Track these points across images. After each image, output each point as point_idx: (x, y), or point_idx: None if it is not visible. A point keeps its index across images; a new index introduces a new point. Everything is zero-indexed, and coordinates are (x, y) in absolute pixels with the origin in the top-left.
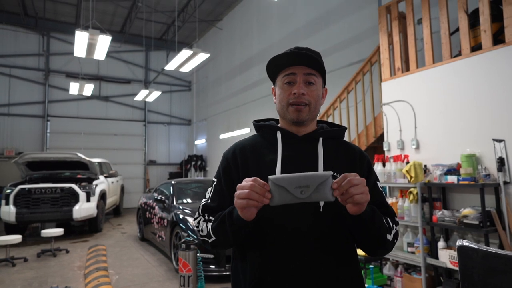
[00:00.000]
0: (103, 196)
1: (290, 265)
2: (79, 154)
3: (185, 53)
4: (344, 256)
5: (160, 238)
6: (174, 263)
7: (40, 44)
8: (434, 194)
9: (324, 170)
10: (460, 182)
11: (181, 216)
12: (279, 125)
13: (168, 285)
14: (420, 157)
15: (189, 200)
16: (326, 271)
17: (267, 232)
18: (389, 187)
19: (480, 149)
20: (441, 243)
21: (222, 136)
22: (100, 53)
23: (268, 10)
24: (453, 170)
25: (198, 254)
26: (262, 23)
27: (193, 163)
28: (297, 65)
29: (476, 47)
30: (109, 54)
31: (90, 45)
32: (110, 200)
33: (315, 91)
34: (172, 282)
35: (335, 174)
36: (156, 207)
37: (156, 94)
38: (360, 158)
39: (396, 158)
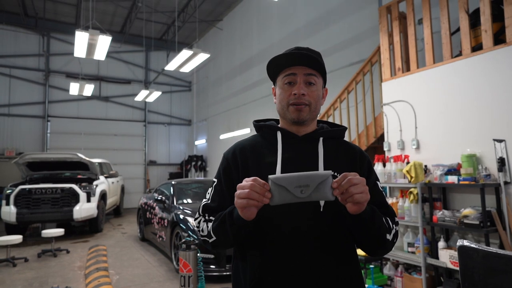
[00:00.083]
0: (103, 196)
1: (290, 264)
2: (80, 155)
3: (185, 53)
4: (344, 256)
5: (160, 238)
6: (174, 263)
7: (40, 45)
8: (434, 194)
9: (325, 170)
10: (461, 182)
11: (181, 216)
12: (279, 125)
13: (168, 285)
14: (420, 157)
15: (189, 201)
16: (326, 270)
17: (267, 232)
18: (390, 187)
19: (480, 149)
20: (441, 243)
21: (222, 137)
22: (100, 54)
23: (268, 10)
24: (453, 170)
25: (198, 254)
26: (262, 23)
27: (193, 163)
28: (298, 65)
29: (476, 47)
30: (109, 55)
31: (90, 45)
32: (111, 200)
33: (316, 91)
34: (172, 282)
35: (335, 174)
36: (157, 208)
37: (156, 94)
38: (361, 158)
39: (397, 158)
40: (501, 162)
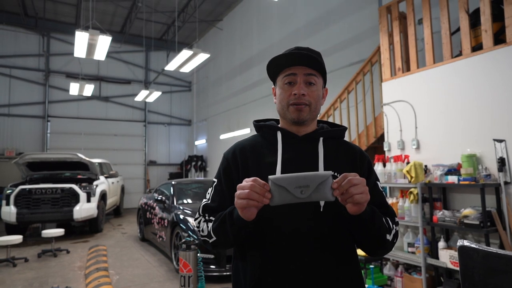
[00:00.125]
0: (103, 196)
1: (290, 265)
2: (80, 155)
3: (185, 53)
4: (344, 256)
5: (160, 239)
6: (174, 263)
7: (40, 45)
8: (434, 194)
9: (325, 170)
10: (461, 182)
11: (181, 217)
12: (279, 125)
13: (168, 285)
14: (420, 157)
15: (189, 201)
16: (326, 271)
17: (267, 232)
18: (390, 187)
19: (480, 149)
20: (441, 243)
21: (222, 137)
22: (100, 54)
23: (268, 10)
24: (453, 170)
25: (198, 255)
26: (262, 23)
27: (193, 163)
28: (298, 65)
29: (477, 47)
30: (109, 55)
31: (90, 45)
32: (111, 200)
33: (316, 91)
34: (172, 282)
35: (335, 174)
36: (157, 208)
37: (156, 94)
38: (361, 158)
39: (397, 158)
40: (501, 162)
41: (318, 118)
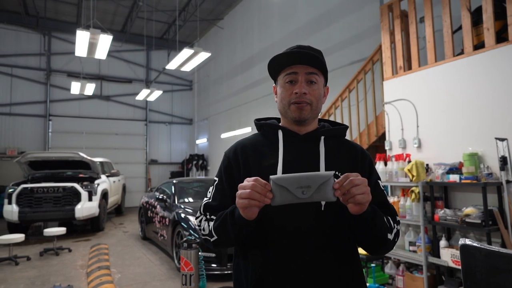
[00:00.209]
0: (105, 195)
1: (291, 264)
2: (81, 154)
3: (186, 52)
4: (345, 255)
5: (162, 237)
6: (176, 262)
7: (42, 44)
8: (436, 193)
9: (326, 169)
10: (462, 181)
11: (182, 215)
12: (280, 123)
13: (170, 284)
14: (422, 156)
15: (190, 199)
16: (327, 270)
17: (268, 231)
18: (391, 186)
19: (482, 148)
20: (443, 242)
21: (223, 135)
22: (101, 53)
23: (269, 9)
24: (455, 169)
25: (199, 253)
26: (263, 22)
27: (194, 162)
28: (299, 64)
29: (479, 45)
30: (110, 54)
31: (91, 44)
32: (112, 199)
33: (317, 90)
34: (174, 281)
35: (337, 173)
36: (158, 206)
37: (157, 93)
38: (362, 157)
39: (398, 157)
40: (503, 161)
41: (319, 117)
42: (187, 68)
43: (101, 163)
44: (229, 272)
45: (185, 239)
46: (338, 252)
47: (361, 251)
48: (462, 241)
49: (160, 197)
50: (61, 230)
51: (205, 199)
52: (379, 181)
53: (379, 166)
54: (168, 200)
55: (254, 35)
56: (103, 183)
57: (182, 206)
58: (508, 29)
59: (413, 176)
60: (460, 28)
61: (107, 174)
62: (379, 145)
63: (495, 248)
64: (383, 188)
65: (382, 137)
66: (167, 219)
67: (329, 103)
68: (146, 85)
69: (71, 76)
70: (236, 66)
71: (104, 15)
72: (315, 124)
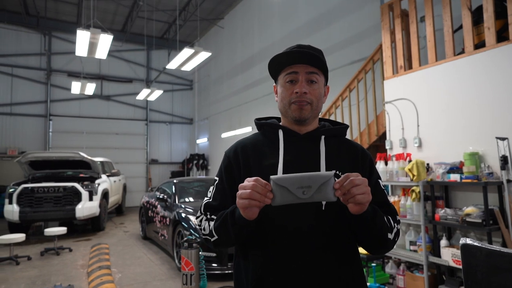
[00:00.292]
0: (105, 195)
1: (291, 264)
2: (82, 153)
3: (186, 51)
4: (345, 255)
5: (162, 237)
6: (176, 261)
7: (42, 44)
8: (436, 193)
9: (326, 168)
10: (463, 181)
11: (183, 215)
12: (281, 123)
13: (170, 283)
14: (422, 155)
15: (191, 199)
16: (328, 270)
17: (268, 231)
18: (392, 186)
19: (483, 147)
20: (443, 242)
21: (224, 135)
22: (102, 52)
23: (269, 9)
24: (455, 168)
25: (200, 253)
26: (264, 22)
27: (195, 162)
28: (299, 63)
29: (479, 45)
30: (110, 53)
31: (92, 44)
32: (113, 199)
33: (317, 89)
34: (174, 280)
35: (337, 172)
36: (159, 206)
37: (157, 93)
38: (362, 156)
39: (399, 157)
40: (504, 160)
41: (320, 116)
42: (188, 67)
43: (102, 162)
44: (230, 271)
45: (185, 238)
46: (339, 252)
47: (361, 250)
48: (463, 240)
49: (161, 196)
50: (62, 229)
51: (206, 198)
52: (379, 180)
53: (380, 165)
54: (169, 200)
55: (255, 34)
56: (103, 182)
57: (183, 206)
58: (509, 28)
59: (413, 175)
60: (460, 27)
61: (107, 174)
62: (379, 145)
63: (496, 247)
64: (383, 188)
65: (382, 137)
66: (167, 219)
67: (329, 102)
68: (147, 85)
69: (72, 76)
70: (237, 65)
71: (105, 14)
72: (316, 124)
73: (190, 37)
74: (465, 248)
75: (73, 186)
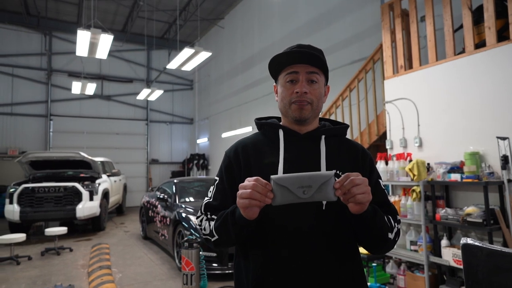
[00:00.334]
0: (106, 195)
1: (292, 264)
2: (82, 153)
3: (186, 51)
4: (346, 255)
5: (163, 237)
6: (177, 261)
7: (42, 44)
8: (437, 192)
9: (327, 168)
10: (464, 180)
11: (183, 215)
12: (281, 123)
13: (171, 283)
14: (423, 155)
15: (191, 199)
16: (328, 270)
17: (269, 231)
18: (392, 185)
19: (483, 147)
20: (444, 241)
21: (224, 135)
22: (102, 52)
23: (269, 9)
24: (456, 168)
25: (200, 253)
26: (264, 22)
27: (195, 161)
28: (300, 63)
29: (480, 44)
30: (111, 53)
31: (92, 44)
32: (113, 199)
33: (318, 89)
34: (175, 280)
35: (338, 172)
36: (159, 206)
37: (158, 93)
38: (363, 156)
39: (399, 156)
40: (505, 160)
41: (320, 116)
42: (188, 67)
43: (102, 162)
44: (230, 271)
45: (186, 238)
46: (339, 252)
47: (362, 250)
48: (463, 240)
49: (161, 196)
50: (62, 229)
51: (206, 198)
52: (379, 180)
53: (380, 165)
54: (169, 200)
55: (255, 34)
56: (104, 182)
57: (183, 206)
58: (509, 28)
59: (414, 175)
60: (461, 27)
61: (108, 174)
62: (380, 144)
63: (497, 247)
64: (383, 188)
65: (383, 136)
66: (168, 219)
67: (330, 102)
68: (147, 85)
69: (72, 76)
70: (237, 65)
71: (105, 15)
72: (316, 123)
73: (190, 37)
74: (466, 248)
75: (73, 186)
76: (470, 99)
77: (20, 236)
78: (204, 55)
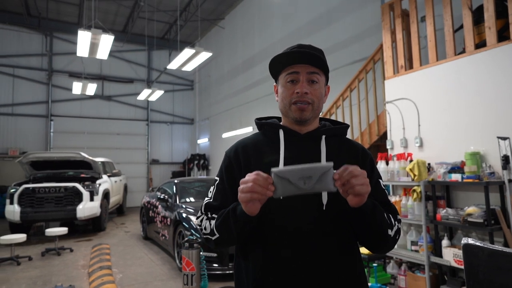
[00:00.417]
0: (106, 195)
1: (292, 265)
2: (83, 154)
3: (187, 52)
4: (346, 255)
5: (163, 237)
6: (177, 261)
7: (43, 44)
8: (438, 192)
9: None
10: (464, 180)
11: (184, 215)
12: (281, 123)
13: (171, 283)
14: (423, 155)
15: (192, 199)
16: (328, 270)
17: (269, 231)
18: (393, 186)
19: (484, 147)
20: (445, 242)
21: (224, 135)
22: (103, 53)
23: (269, 9)
24: (457, 168)
25: (201, 253)
26: (264, 22)
27: (196, 162)
28: (300, 63)
29: (480, 44)
30: (111, 54)
31: (93, 44)
32: (114, 199)
33: (318, 89)
34: (175, 280)
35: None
36: (159, 206)
37: (158, 93)
38: (363, 156)
39: (400, 156)
40: (505, 160)
41: (320, 116)
42: (188, 68)
43: (103, 163)
44: (231, 272)
45: (186, 239)
46: (339, 252)
47: (363, 250)
48: (464, 240)
49: (162, 197)
50: (63, 230)
51: (206, 199)
52: (380, 180)
53: (381, 165)
54: (170, 200)
55: (255, 34)
56: (104, 183)
57: (184, 206)
58: (509, 28)
59: (414, 175)
60: (461, 27)
61: (108, 174)
62: (380, 145)
63: (498, 247)
64: (384, 187)
65: (383, 137)
66: (168, 219)
67: (330, 102)
68: (148, 85)
69: (73, 76)
70: (237, 65)
71: (106, 15)
72: (316, 123)
73: (191, 37)
74: (467, 248)
75: (74, 187)
76: (470, 99)
77: (21, 237)
78: (204, 56)
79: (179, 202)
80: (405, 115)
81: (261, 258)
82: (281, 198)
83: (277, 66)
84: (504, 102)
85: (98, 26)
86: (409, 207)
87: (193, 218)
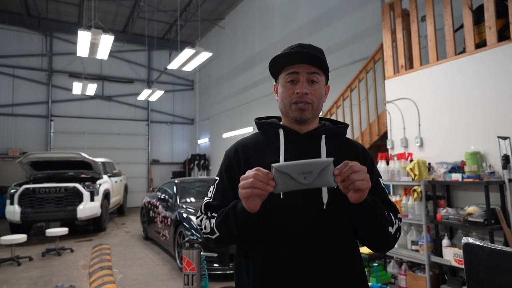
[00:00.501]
0: (107, 195)
1: (292, 264)
2: (83, 154)
3: (187, 52)
4: (346, 255)
5: (164, 237)
6: (178, 261)
7: (43, 44)
8: (438, 192)
9: None
10: (465, 180)
11: (184, 215)
12: (281, 122)
13: (172, 284)
14: (424, 155)
15: (192, 199)
16: (328, 270)
17: (269, 231)
18: (393, 185)
19: (484, 146)
20: (445, 241)
21: (225, 135)
22: (103, 53)
23: (270, 9)
24: (457, 167)
25: (201, 253)
26: (264, 22)
27: (196, 162)
28: (300, 63)
29: (480, 44)
30: (111, 54)
31: (93, 45)
32: (114, 199)
33: (318, 89)
34: (176, 280)
35: None
36: (160, 206)
37: (159, 93)
38: (363, 155)
39: (400, 156)
40: (506, 160)
41: (320, 116)
42: (189, 68)
43: (103, 163)
44: (231, 272)
45: (187, 239)
46: (339, 252)
47: (363, 250)
48: (465, 239)
49: (162, 197)
50: (63, 230)
51: (206, 198)
52: (380, 179)
53: (381, 165)
54: (170, 200)
55: (255, 34)
56: (105, 183)
57: (184, 206)
58: (510, 28)
59: (415, 175)
60: (461, 26)
61: (109, 174)
62: (380, 144)
63: (498, 246)
64: (384, 186)
65: (384, 136)
66: (169, 219)
67: (330, 102)
68: (148, 85)
69: (73, 76)
70: (238, 65)
71: (106, 15)
72: (316, 123)
73: (191, 37)
74: (467, 248)
75: (74, 187)
76: (470, 99)
77: (21, 237)
78: (204, 56)
79: (179, 202)
80: (405, 115)
81: (261, 257)
82: (281, 195)
83: (277, 66)
84: (504, 102)
85: (98, 26)
86: (410, 206)
87: (193, 218)
